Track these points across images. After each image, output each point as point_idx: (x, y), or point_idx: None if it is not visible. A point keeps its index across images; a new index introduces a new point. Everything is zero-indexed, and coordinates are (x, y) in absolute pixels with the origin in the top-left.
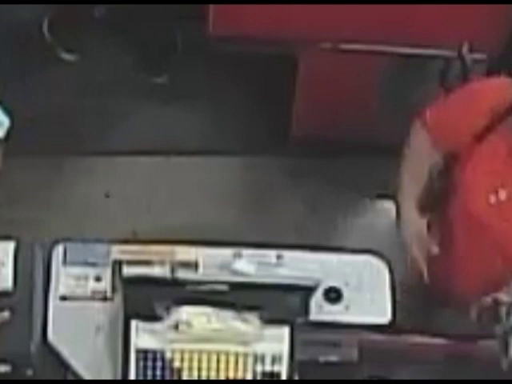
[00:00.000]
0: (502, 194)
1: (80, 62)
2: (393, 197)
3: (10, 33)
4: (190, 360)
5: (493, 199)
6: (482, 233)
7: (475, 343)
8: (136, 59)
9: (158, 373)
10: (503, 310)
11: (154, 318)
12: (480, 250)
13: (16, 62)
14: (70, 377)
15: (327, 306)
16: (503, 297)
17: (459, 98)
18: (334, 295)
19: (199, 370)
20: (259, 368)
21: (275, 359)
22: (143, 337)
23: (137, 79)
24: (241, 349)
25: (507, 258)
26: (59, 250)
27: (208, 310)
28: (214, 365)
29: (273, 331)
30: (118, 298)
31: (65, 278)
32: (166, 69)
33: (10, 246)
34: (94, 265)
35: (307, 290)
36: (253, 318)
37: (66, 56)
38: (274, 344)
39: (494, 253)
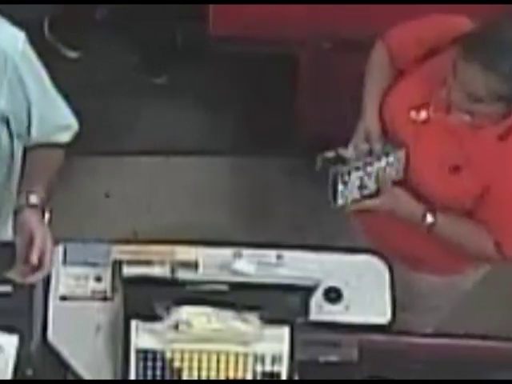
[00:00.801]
0: (423, 114)
1: (80, 62)
2: None
3: None
4: (190, 360)
5: (413, 115)
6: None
7: (476, 343)
8: (136, 59)
9: (158, 373)
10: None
11: (154, 317)
12: None
13: None
14: (70, 377)
15: (327, 306)
16: (347, 154)
17: (418, 24)
18: (333, 295)
19: (199, 369)
20: (259, 368)
21: (275, 359)
22: (143, 337)
23: (137, 79)
24: (241, 349)
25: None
26: (59, 250)
27: (208, 310)
28: (213, 365)
29: (273, 331)
30: (118, 297)
31: (65, 278)
32: (166, 69)
33: None
34: (94, 265)
35: (307, 290)
36: (253, 318)
37: (67, 55)
38: (274, 344)
39: None
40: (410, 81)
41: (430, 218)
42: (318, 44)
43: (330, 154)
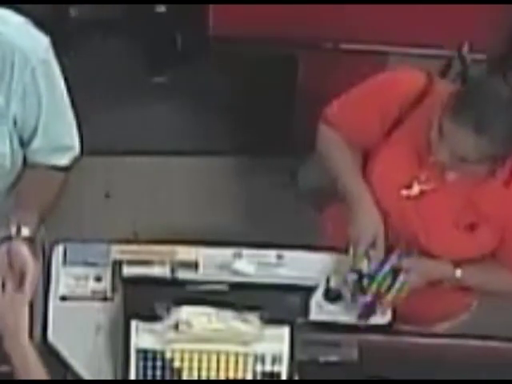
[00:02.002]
0: (415, 189)
1: (80, 62)
2: None
3: None
4: (190, 360)
5: (405, 193)
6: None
7: (476, 343)
8: (136, 59)
9: (158, 373)
10: (365, 281)
11: (154, 318)
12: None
13: None
14: (69, 377)
15: (327, 306)
16: (365, 269)
17: (365, 92)
18: (334, 295)
19: (199, 369)
20: (259, 368)
21: (275, 359)
22: (143, 337)
23: (137, 79)
24: (241, 349)
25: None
26: (59, 249)
27: (208, 310)
28: (213, 365)
29: (273, 331)
30: (118, 297)
31: (65, 278)
32: (166, 69)
33: None
34: (94, 265)
35: (307, 290)
36: (253, 317)
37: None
38: (274, 344)
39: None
40: (384, 159)
41: (458, 273)
42: (317, 44)
43: (353, 277)
